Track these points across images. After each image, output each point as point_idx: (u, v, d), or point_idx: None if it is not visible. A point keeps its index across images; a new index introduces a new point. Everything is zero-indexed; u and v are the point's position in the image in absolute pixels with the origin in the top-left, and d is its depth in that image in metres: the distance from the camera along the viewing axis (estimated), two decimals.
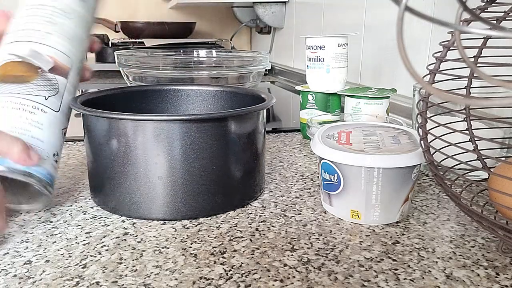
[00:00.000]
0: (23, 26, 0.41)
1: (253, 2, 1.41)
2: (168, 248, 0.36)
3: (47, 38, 0.41)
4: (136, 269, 0.33)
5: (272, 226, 0.40)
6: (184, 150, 0.40)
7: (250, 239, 0.38)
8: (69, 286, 0.31)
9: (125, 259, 0.35)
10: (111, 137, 0.40)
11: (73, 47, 0.43)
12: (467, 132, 0.41)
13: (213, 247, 0.36)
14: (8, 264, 0.34)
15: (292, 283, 0.31)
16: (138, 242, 0.37)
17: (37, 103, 0.40)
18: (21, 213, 0.43)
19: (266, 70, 1.06)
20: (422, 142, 0.37)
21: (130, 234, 0.39)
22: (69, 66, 0.42)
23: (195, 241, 0.37)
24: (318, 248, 0.36)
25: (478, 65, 0.39)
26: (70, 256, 0.35)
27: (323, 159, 0.41)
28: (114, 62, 0.93)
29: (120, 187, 0.41)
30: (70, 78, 0.42)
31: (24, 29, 0.41)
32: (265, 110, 0.46)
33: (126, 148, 0.40)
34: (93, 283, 0.31)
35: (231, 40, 1.62)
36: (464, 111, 0.42)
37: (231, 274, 0.32)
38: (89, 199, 0.46)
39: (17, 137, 0.37)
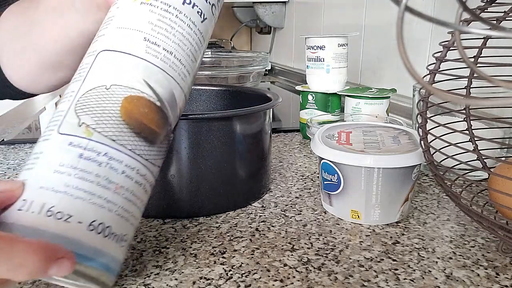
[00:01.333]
0: (161, 37, 0.27)
1: (253, 2, 1.41)
2: (168, 248, 0.36)
3: (186, 80, 0.29)
4: (136, 269, 0.33)
5: (272, 226, 0.40)
6: (197, 148, 0.40)
7: (250, 239, 0.38)
8: None
9: (125, 259, 0.34)
10: None
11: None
12: (467, 132, 0.41)
13: (213, 247, 0.36)
14: None
15: (292, 283, 0.31)
16: (138, 242, 0.37)
17: (154, 180, 0.29)
18: None
19: (266, 70, 1.06)
20: (422, 142, 0.37)
21: None
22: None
23: (195, 241, 0.37)
24: (318, 248, 0.36)
25: (478, 65, 0.39)
26: None
27: (323, 159, 0.41)
28: None
29: None
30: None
31: (161, 45, 0.27)
32: (271, 110, 0.46)
33: None
34: None
35: (231, 40, 1.62)
36: (464, 111, 0.42)
37: (231, 274, 0.32)
38: None
39: (32, 240, 0.22)
